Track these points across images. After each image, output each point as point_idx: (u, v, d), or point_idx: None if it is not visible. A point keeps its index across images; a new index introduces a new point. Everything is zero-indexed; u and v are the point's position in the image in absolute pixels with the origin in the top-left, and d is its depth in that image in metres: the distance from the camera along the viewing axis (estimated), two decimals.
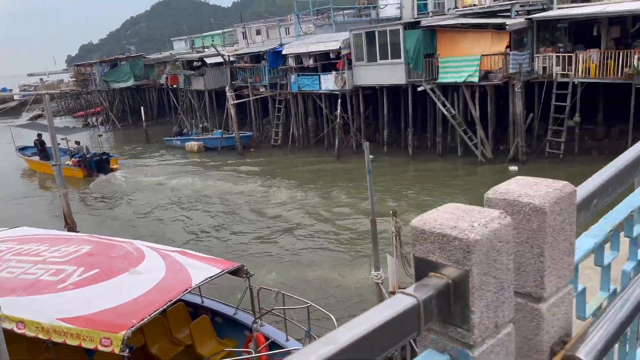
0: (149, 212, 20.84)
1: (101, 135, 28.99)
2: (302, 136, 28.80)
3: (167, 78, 37.67)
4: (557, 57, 20.40)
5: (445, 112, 22.36)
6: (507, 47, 20.90)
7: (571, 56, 20.03)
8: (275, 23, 43.45)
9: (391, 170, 23.65)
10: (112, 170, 26.04)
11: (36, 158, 28.12)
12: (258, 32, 49.12)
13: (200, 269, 8.68)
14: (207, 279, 8.30)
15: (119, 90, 44.73)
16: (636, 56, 18.65)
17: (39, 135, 27.30)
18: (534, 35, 21.24)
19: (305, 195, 20.88)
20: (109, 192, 23.76)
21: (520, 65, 20.56)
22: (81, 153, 26.30)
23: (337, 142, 25.71)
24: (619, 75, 18.78)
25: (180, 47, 60.75)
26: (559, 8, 22.04)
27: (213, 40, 56.65)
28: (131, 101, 46.18)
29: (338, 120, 25.30)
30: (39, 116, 59.73)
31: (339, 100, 25.35)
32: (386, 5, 31.91)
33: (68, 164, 24.77)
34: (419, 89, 22.82)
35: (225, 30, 49.09)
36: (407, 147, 24.55)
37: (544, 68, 20.82)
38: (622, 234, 1.79)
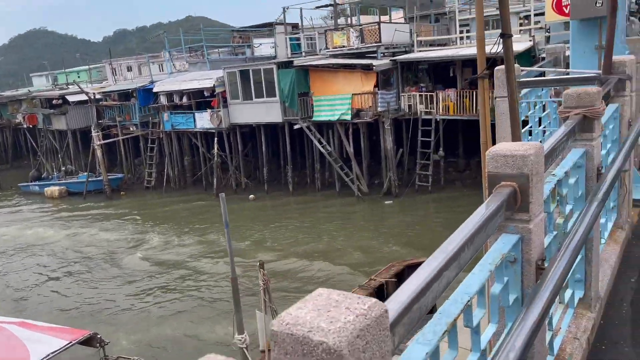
0: None
1: None
2: (178, 176, 27.47)
3: (23, 117, 34.02)
4: (420, 96, 21.85)
5: (322, 149, 22.71)
6: (375, 86, 21.94)
7: (432, 95, 21.57)
8: (146, 60, 41.75)
9: (272, 206, 23.32)
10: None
11: None
12: (129, 69, 46.84)
13: (42, 343, 7.42)
14: (50, 354, 7.09)
15: None
16: None
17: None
18: (398, 76, 22.61)
19: (179, 239, 19.62)
20: None
21: (388, 104, 21.67)
22: None
23: (215, 181, 24.83)
24: (474, 112, 20.55)
25: (40, 84, 55.76)
26: (419, 51, 23.84)
27: (78, 77, 52.90)
28: None
29: (215, 159, 24.52)
30: None
31: (216, 138, 24.65)
32: (260, 44, 32.19)
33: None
34: (295, 126, 23.00)
35: (92, 65, 45.96)
36: (288, 184, 24.47)
37: (409, 106, 22.16)
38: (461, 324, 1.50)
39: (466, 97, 21.33)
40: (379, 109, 21.52)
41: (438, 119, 21.46)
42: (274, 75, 22.92)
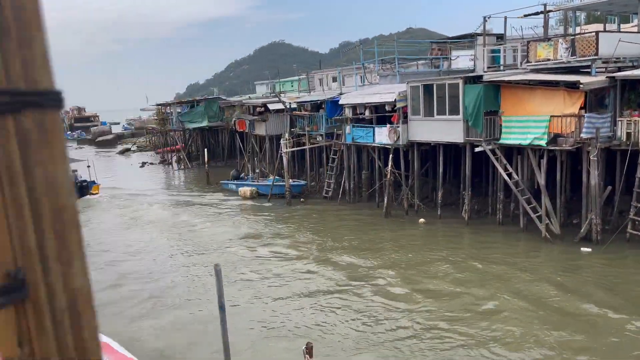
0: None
1: (89, 167, 31.50)
2: (354, 189, 27.12)
3: (235, 122, 38.06)
4: None
5: (506, 178, 19.70)
6: (581, 108, 18.09)
7: None
8: (352, 71, 42.81)
9: (443, 235, 21.11)
10: (92, 194, 31.60)
11: None
12: (334, 79, 48.90)
13: None
14: None
15: (197, 131, 46.07)
16: None
17: None
18: (616, 96, 18.26)
19: (323, 268, 18.05)
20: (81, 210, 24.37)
21: (597, 130, 17.60)
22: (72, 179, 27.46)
23: (385, 201, 23.69)
24: None
25: (261, 91, 62.32)
26: None
27: (292, 86, 57.51)
28: (206, 141, 47.42)
29: (388, 177, 23.37)
30: (128, 149, 63.62)
31: (391, 155, 23.49)
32: (458, 56, 29.91)
33: None
34: (477, 149, 20.45)
35: (301, 76, 49.26)
36: (464, 212, 21.96)
37: (628, 134, 17.67)
38: None
39: None
40: (584, 135, 17.63)
41: None
42: (459, 90, 20.74)
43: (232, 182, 32.42)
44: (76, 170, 30.16)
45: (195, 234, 23.65)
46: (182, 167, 45.03)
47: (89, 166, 31.37)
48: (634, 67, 19.29)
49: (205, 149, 37.77)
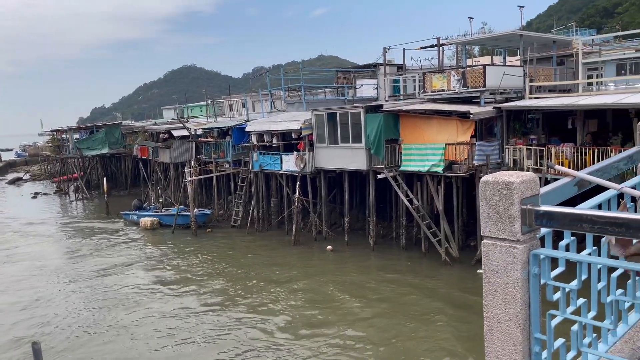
0: None
1: None
2: (263, 217, 26.67)
3: (137, 149, 36.24)
4: (528, 149, 18.56)
5: (407, 204, 20.28)
6: (473, 136, 19.16)
7: (543, 150, 18.18)
8: (259, 97, 42.69)
9: (351, 259, 21.17)
10: None
11: None
12: (243, 105, 48.51)
13: None
14: None
15: (98, 158, 43.32)
16: (613, 154, 16.75)
17: None
18: (503, 125, 19.57)
19: (223, 309, 16.74)
20: None
21: (488, 157, 18.71)
22: None
23: (294, 228, 23.47)
24: None
25: (169, 116, 60.38)
26: (533, 97, 20.55)
27: (201, 111, 56.31)
28: (107, 169, 44.72)
29: (296, 204, 23.23)
30: (19, 179, 58.46)
31: (298, 182, 23.43)
32: (362, 85, 30.85)
33: None
34: (379, 176, 20.93)
35: (207, 101, 48.33)
36: (370, 238, 22.28)
37: (515, 161, 18.94)
38: None
39: (587, 154, 17.62)
40: (476, 162, 18.63)
41: (549, 178, 17.92)
42: (361, 119, 21.22)
43: (133, 212, 30.60)
44: None
45: (78, 265, 22.00)
46: (81, 197, 42.01)
47: None
48: (517, 98, 20.87)
49: (105, 178, 35.47)
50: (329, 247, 22.41)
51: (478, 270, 18.37)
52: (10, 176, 62.14)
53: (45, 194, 46.16)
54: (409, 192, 20.54)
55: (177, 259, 23.02)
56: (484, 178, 2.16)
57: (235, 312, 16.27)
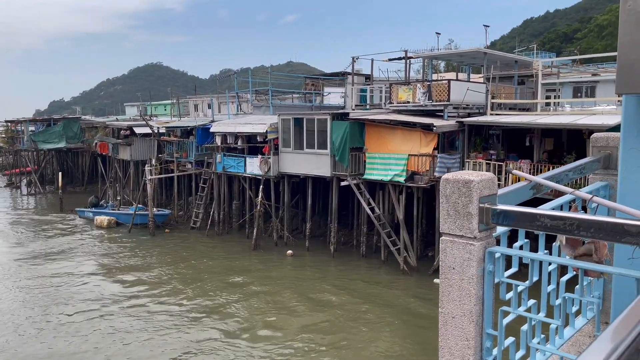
0: None
1: None
2: (224, 220, 26.35)
3: (96, 144, 35.23)
4: (488, 164, 19.08)
5: (369, 211, 20.47)
6: (435, 148, 19.56)
7: (501, 165, 18.73)
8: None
9: (311, 266, 21.16)
10: None
11: None
12: (209, 106, 47.95)
13: None
14: None
15: (54, 152, 41.80)
16: None
17: None
18: (465, 139, 20.07)
19: (174, 309, 16.96)
20: None
21: (448, 169, 19.10)
22: None
23: (254, 232, 23.30)
24: None
25: (131, 113, 59.04)
26: (495, 114, 21.19)
27: (165, 109, 55.27)
28: (63, 164, 43.22)
29: (258, 207, 23.07)
30: None
31: (261, 186, 23.30)
32: (329, 92, 31.07)
33: None
34: (343, 183, 21.07)
35: (172, 100, 47.52)
36: (330, 244, 22.34)
37: None
38: None
39: (543, 171, 18.26)
40: (437, 174, 19.01)
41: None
42: (327, 126, 21.33)
43: (89, 210, 29.66)
44: None
45: (26, 262, 21.17)
46: (33, 191, 40.42)
47: None
48: (479, 114, 21.48)
49: (60, 173, 34.26)
50: (290, 252, 22.34)
51: (435, 280, 18.71)
52: None
53: None
54: (371, 201, 20.75)
55: (132, 258, 22.45)
56: (445, 176, 2.21)
57: (187, 314, 15.98)
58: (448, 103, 20.76)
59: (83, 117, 48.59)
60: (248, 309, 16.53)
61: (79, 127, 40.20)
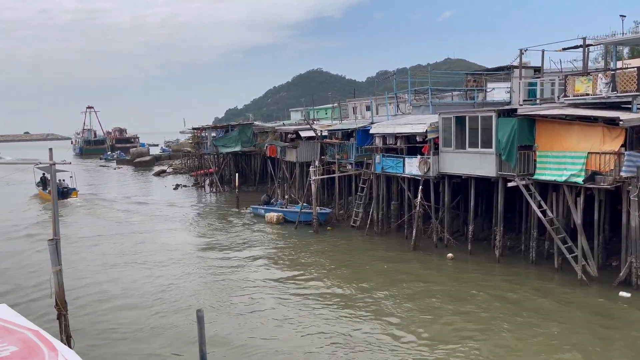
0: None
1: (72, 177, 40.59)
2: (382, 220, 26.66)
3: (266, 147, 38.34)
4: None
5: (540, 215, 18.91)
6: (622, 145, 17.31)
7: None
8: (385, 100, 42.68)
9: (474, 270, 20.23)
10: (71, 198, 41.01)
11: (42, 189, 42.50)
12: (368, 108, 48.88)
13: None
14: None
15: (230, 155, 46.67)
16: None
17: (44, 174, 40.54)
18: None
19: (339, 299, 17.91)
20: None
21: (638, 169, 16.77)
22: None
23: (414, 233, 23.13)
24: None
25: (296, 118, 63.01)
26: None
27: (326, 113, 57.87)
28: (239, 166, 47.93)
29: (417, 208, 22.86)
30: (163, 171, 64.96)
31: (421, 186, 23.03)
32: (493, 88, 29.40)
33: (47, 191, 40.06)
34: (510, 184, 19.80)
35: (334, 104, 49.50)
36: (495, 248, 21.16)
37: None
38: None
39: None
40: (624, 174, 16.81)
41: None
42: (492, 123, 20.25)
43: (261, 207, 32.47)
44: (64, 180, 40.25)
45: (205, 254, 23.95)
46: (214, 190, 45.55)
47: (71, 177, 40.29)
48: None
49: (237, 174, 38.11)
50: (450, 254, 21.71)
51: (620, 293, 16.59)
52: (156, 169, 69.30)
53: (185, 186, 50.78)
54: (542, 203, 19.14)
55: (298, 252, 23.96)
56: None
57: (347, 307, 16.46)
58: (637, 94, 18.22)
59: (255, 123, 53.24)
60: (406, 310, 16.43)
61: (252, 132, 44.24)
